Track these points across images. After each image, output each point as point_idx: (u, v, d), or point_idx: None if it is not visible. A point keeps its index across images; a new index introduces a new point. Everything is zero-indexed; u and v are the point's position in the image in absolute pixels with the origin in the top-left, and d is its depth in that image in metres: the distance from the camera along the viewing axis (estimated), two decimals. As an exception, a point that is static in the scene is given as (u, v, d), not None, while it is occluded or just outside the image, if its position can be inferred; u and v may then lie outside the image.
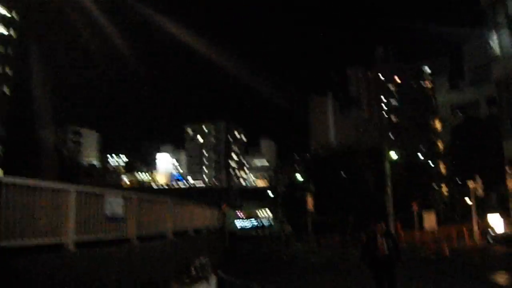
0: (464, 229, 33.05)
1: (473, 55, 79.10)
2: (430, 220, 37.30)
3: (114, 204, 9.29)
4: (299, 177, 50.55)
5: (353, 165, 43.21)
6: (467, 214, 45.05)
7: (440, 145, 75.18)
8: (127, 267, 9.27)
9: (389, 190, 35.85)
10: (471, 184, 33.62)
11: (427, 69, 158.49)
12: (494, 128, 49.53)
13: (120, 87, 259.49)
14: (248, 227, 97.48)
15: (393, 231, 34.55)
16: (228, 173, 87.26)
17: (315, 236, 40.11)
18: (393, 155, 39.27)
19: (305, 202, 40.96)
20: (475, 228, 32.85)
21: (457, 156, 53.25)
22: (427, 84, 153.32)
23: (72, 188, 8.04)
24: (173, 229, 12.83)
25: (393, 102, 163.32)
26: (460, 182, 56.97)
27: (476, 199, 59.37)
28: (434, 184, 55.60)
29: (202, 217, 18.23)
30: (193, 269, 12.20)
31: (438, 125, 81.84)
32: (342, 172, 44.99)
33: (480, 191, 33.48)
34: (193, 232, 15.32)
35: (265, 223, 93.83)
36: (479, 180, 33.50)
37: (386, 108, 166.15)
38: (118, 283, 8.75)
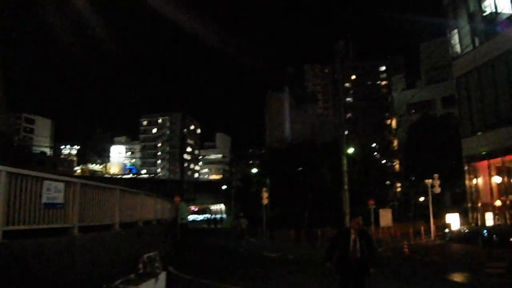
0: (422, 227, 32.74)
1: (430, 54, 79.44)
2: (386, 218, 36.97)
3: (53, 189, 8.16)
4: (254, 171, 49.96)
5: (309, 159, 42.60)
6: (421, 213, 45.18)
7: (395, 142, 75.39)
8: (66, 261, 8.10)
9: (346, 186, 35.24)
10: (428, 181, 33.28)
11: (382, 68, 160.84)
12: (450, 126, 49.92)
13: (75, 76, 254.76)
14: (200, 220, 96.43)
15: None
16: (182, 166, 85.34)
17: (269, 231, 39.60)
18: (350, 150, 38.97)
19: (260, 196, 40.45)
20: (432, 226, 32.62)
21: (412, 153, 53.22)
22: (382, 82, 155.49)
23: (3, 168, 6.86)
24: (120, 220, 11.61)
25: (349, 99, 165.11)
26: (413, 180, 57.21)
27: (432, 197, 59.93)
28: (388, 181, 55.36)
29: (153, 208, 16.94)
30: (141, 264, 11.15)
31: (393, 122, 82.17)
32: (298, 166, 44.34)
33: (437, 189, 33.15)
34: (142, 224, 14.11)
35: (218, 217, 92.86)
36: (436, 178, 33.16)
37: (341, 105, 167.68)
38: (53, 279, 7.64)
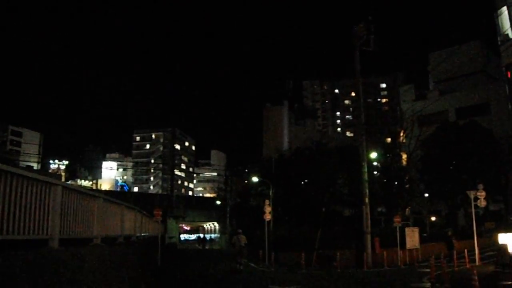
0: (465, 249, 26.31)
1: (439, 64, 74.27)
2: (413, 238, 30.79)
3: None
4: (255, 179, 42.69)
5: (322, 166, 35.85)
6: (435, 233, 39.57)
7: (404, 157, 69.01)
8: None
9: (366, 199, 28.89)
10: (471, 192, 26.74)
11: (383, 85, 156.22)
12: (476, 135, 44.69)
13: (67, 89, 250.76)
14: (191, 239, 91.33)
15: (370, 249, 27.93)
16: (172, 178, 78.86)
17: (274, 254, 32.23)
18: (372, 154, 33.09)
19: (261, 211, 33.64)
20: (477, 248, 26.14)
21: (429, 167, 47.13)
22: (383, 100, 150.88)
23: None
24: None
25: (349, 116, 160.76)
26: (428, 197, 51.54)
27: (446, 216, 53.70)
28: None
29: (93, 216, 9.73)
30: None
31: (402, 136, 75.59)
32: (308, 175, 37.47)
33: (482, 202, 26.76)
34: (58, 245, 7.32)
35: (211, 236, 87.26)
36: (481, 189, 26.72)
37: (339, 122, 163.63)
38: None
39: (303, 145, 51.25)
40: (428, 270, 22.85)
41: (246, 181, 60.57)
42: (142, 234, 17.83)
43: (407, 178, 42.44)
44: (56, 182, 7.29)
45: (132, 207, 14.41)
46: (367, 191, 28.99)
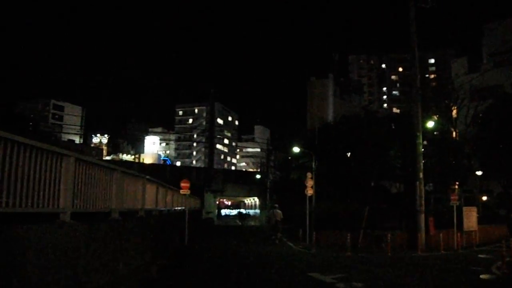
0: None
1: (494, 36, 70.48)
2: (471, 218, 27.61)
3: None
4: (296, 150, 38.74)
5: (372, 137, 32.34)
6: (490, 214, 36.21)
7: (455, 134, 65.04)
8: None
9: (421, 174, 25.66)
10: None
11: (432, 60, 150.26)
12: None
13: (112, 65, 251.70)
14: (232, 215, 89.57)
15: (423, 230, 24.88)
16: (212, 153, 76.39)
17: (316, 233, 29.00)
18: (429, 124, 29.83)
19: (302, 185, 30.33)
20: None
21: (483, 143, 43.26)
22: (431, 75, 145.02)
23: None
24: None
25: (395, 92, 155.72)
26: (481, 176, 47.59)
27: (499, 196, 49.81)
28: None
29: (64, 184, 6.72)
30: None
31: (453, 112, 71.34)
32: (355, 146, 33.99)
33: None
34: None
35: (248, 212, 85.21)
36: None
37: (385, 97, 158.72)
38: None
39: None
40: (490, 256, 20.23)
41: (290, 157, 57.96)
42: (159, 209, 15.13)
43: (463, 153, 38.79)
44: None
45: (139, 175, 11.60)
46: (421, 165, 25.82)
